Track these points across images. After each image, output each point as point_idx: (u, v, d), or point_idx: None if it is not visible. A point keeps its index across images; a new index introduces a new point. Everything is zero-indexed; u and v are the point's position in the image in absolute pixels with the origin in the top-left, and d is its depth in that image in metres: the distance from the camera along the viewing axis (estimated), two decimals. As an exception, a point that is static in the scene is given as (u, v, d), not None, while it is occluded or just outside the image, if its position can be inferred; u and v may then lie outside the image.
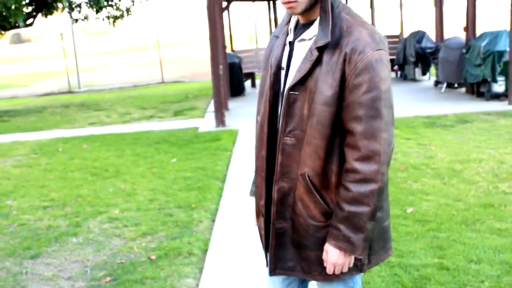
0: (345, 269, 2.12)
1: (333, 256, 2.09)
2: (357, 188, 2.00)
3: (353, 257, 2.11)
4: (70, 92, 20.56)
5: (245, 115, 11.28)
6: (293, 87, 2.09)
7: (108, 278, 4.25)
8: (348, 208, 2.03)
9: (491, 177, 5.93)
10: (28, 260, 4.75)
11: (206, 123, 10.77)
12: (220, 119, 10.23)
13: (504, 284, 3.63)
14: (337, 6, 2.08)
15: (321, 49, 2.04)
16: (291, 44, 2.19)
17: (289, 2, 2.06)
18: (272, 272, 2.27)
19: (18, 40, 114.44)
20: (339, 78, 2.00)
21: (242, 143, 8.60)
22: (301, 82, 2.07)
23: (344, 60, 1.98)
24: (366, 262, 2.19)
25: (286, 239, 2.22)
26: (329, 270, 2.13)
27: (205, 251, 4.62)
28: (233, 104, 12.89)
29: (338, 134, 2.06)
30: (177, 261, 4.44)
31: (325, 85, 2.01)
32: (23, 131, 11.67)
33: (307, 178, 2.10)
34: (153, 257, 4.56)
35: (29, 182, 7.27)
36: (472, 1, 11.55)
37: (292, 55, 2.17)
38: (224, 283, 3.99)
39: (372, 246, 2.18)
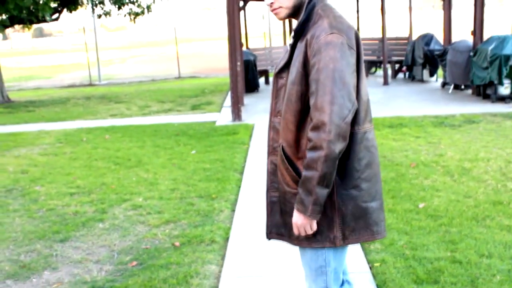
0: (308, 231, 2.23)
1: (294, 217, 2.24)
2: (309, 155, 2.13)
3: (314, 221, 2.22)
4: (91, 84, 20.61)
5: (260, 110, 11.28)
6: (279, 73, 2.35)
7: (135, 263, 4.28)
8: (304, 173, 2.17)
9: (499, 176, 5.91)
10: (58, 243, 4.79)
11: (223, 117, 10.79)
12: (236, 114, 10.24)
13: (515, 278, 3.63)
14: (318, 4, 2.26)
15: (295, 39, 2.27)
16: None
17: (273, 10, 2.30)
18: (268, 236, 2.46)
19: (40, 34, 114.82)
20: (302, 60, 2.20)
21: (258, 137, 8.61)
22: (284, 69, 2.32)
23: (306, 45, 2.19)
24: (339, 236, 2.26)
25: (277, 206, 2.40)
26: (295, 231, 2.27)
27: (226, 239, 4.64)
28: (248, 100, 12.89)
29: (309, 110, 2.22)
30: (200, 248, 4.46)
31: (293, 68, 2.24)
32: (48, 121, 11.72)
33: (281, 148, 2.31)
34: (177, 243, 4.58)
35: (56, 170, 7.31)
36: (480, 5, 11.47)
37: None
38: (246, 270, 4.01)
39: (346, 221, 2.26)
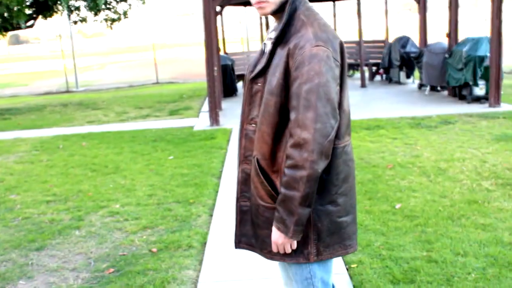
0: (287, 250, 2.16)
1: (274, 236, 2.15)
2: (289, 173, 2.04)
3: (294, 241, 2.15)
4: (68, 91, 20.45)
5: (238, 115, 11.27)
6: (254, 78, 2.22)
7: (112, 270, 4.25)
8: (283, 191, 2.07)
9: (474, 175, 5.98)
10: (33, 252, 4.74)
11: (201, 122, 10.77)
12: (214, 118, 10.23)
13: (490, 276, 3.67)
14: (300, 8, 2.16)
15: (275, 44, 2.15)
16: (265, 45, 2.29)
17: (260, 2, 2.15)
18: (237, 245, 2.38)
19: (17, 41, 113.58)
20: (283, 71, 2.08)
21: (236, 142, 8.61)
22: (261, 74, 2.19)
23: (288, 55, 2.07)
24: (313, 252, 2.19)
25: (248, 216, 2.32)
26: (273, 248, 2.19)
27: (203, 244, 4.63)
28: (226, 104, 12.89)
29: (287, 123, 2.13)
30: (177, 254, 4.44)
31: (272, 77, 2.11)
32: (24, 129, 11.60)
33: (256, 161, 2.20)
34: (154, 249, 4.56)
35: (32, 178, 7.23)
36: (455, 8, 11.62)
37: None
38: (223, 274, 4.00)
39: (321, 238, 2.18)
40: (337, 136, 2.12)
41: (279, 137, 2.14)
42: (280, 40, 2.15)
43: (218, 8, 13.92)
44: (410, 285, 3.60)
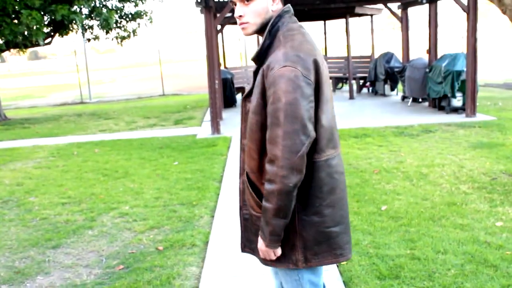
0: (272, 257, 2.13)
1: (259, 243, 2.13)
2: (266, 186, 2.00)
3: (276, 249, 2.10)
4: (82, 102, 20.41)
5: (237, 124, 11.26)
6: (246, 97, 2.17)
7: (121, 266, 4.22)
8: (262, 203, 2.05)
9: (453, 180, 5.97)
10: (50, 249, 4.71)
11: (203, 131, 10.75)
12: (215, 127, 10.21)
13: (468, 272, 3.66)
14: (282, 29, 2.08)
15: (257, 64, 2.12)
16: None
17: (241, 23, 2.11)
18: (242, 250, 2.34)
19: (36, 56, 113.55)
20: (260, 91, 2.03)
21: (236, 148, 8.59)
22: (250, 93, 2.14)
23: (263, 76, 2.02)
24: (301, 259, 2.12)
25: (249, 223, 2.28)
26: (260, 255, 2.17)
27: (206, 242, 4.61)
28: (226, 114, 12.87)
29: None
30: (181, 252, 4.42)
31: (254, 96, 2.07)
32: (42, 137, 11.56)
33: (246, 174, 2.18)
34: (160, 248, 4.53)
35: (49, 182, 7.20)
36: (434, 27, 11.64)
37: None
38: (225, 271, 3.98)
39: (308, 246, 2.11)
40: (317, 151, 2.04)
41: (264, 152, 2.08)
42: (261, 60, 2.10)
43: (219, 27, 13.92)
44: (395, 281, 3.59)
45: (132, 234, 4.97)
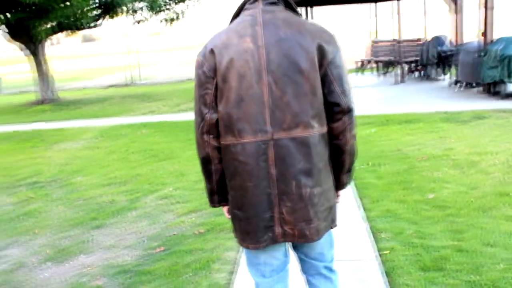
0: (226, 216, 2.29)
1: None
2: None
3: (223, 209, 2.30)
4: (130, 84, 20.73)
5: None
6: None
7: (162, 248, 4.24)
8: None
9: (505, 168, 5.71)
10: (93, 229, 4.79)
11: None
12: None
13: (518, 267, 3.48)
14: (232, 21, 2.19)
15: None
16: None
17: None
18: None
19: (89, 39, 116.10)
20: None
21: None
22: None
23: None
24: (238, 236, 2.20)
25: None
26: None
27: (246, 227, 4.56)
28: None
29: None
30: (221, 236, 4.40)
31: None
32: (91, 118, 11.80)
33: None
34: (201, 230, 4.53)
35: (95, 162, 7.33)
36: (490, 9, 11.16)
37: None
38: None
39: (233, 223, 2.21)
40: (220, 134, 2.11)
41: None
42: None
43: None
44: (440, 273, 3.45)
45: (173, 216, 4.99)
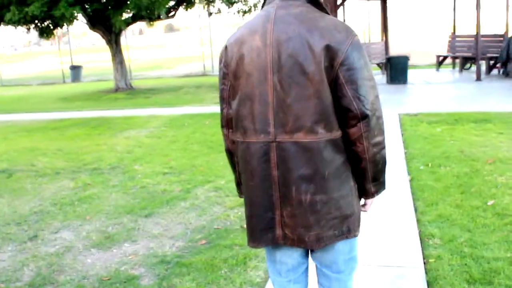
0: None
1: None
2: None
3: None
4: (204, 75, 21.02)
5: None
6: None
7: (204, 241, 4.22)
8: None
9: None
10: (142, 218, 4.85)
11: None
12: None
13: None
14: None
15: None
16: None
17: None
18: None
19: (171, 29, 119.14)
20: None
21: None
22: None
23: None
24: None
25: None
26: None
27: (291, 224, 4.46)
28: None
29: None
30: (265, 232, 4.32)
31: None
32: (159, 106, 12.05)
33: None
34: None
35: (156, 151, 7.45)
36: None
37: None
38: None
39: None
40: (233, 129, 2.11)
41: None
42: None
43: (339, 1, 13.52)
44: (486, 287, 3.20)
45: (221, 209, 4.96)
